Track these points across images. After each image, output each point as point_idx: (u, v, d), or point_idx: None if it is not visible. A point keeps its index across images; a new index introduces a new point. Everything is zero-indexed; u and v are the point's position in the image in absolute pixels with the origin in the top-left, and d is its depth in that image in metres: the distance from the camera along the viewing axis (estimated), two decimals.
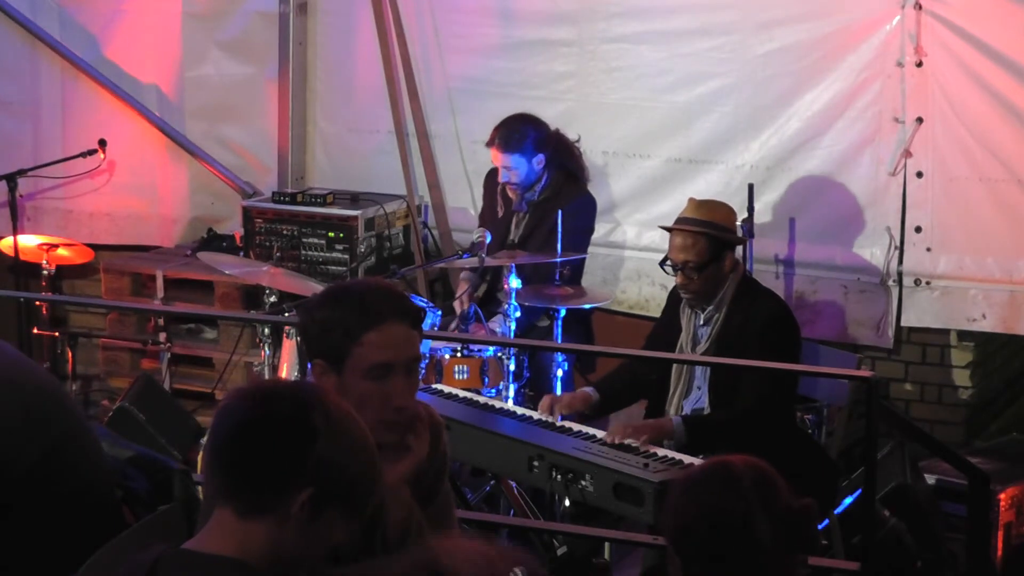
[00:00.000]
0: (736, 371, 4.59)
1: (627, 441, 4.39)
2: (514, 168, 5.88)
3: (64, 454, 3.09)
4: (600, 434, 4.45)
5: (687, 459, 4.28)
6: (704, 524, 2.33)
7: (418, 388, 2.88)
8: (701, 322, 4.80)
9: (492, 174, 6.15)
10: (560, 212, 5.54)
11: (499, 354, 5.36)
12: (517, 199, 5.97)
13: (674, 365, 4.81)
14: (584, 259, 5.95)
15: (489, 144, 5.94)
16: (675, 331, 4.86)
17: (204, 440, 4.79)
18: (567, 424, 4.56)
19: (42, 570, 3.04)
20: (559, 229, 5.47)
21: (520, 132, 5.87)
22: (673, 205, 4.88)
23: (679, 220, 4.83)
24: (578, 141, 6.08)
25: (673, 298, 4.94)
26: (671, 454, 4.32)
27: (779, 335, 4.66)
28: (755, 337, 4.61)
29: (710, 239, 4.71)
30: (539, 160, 5.89)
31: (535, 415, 4.66)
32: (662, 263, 4.84)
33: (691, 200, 4.91)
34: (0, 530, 2.99)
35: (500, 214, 6.08)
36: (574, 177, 6.00)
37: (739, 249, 5.81)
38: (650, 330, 5.16)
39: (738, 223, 5.85)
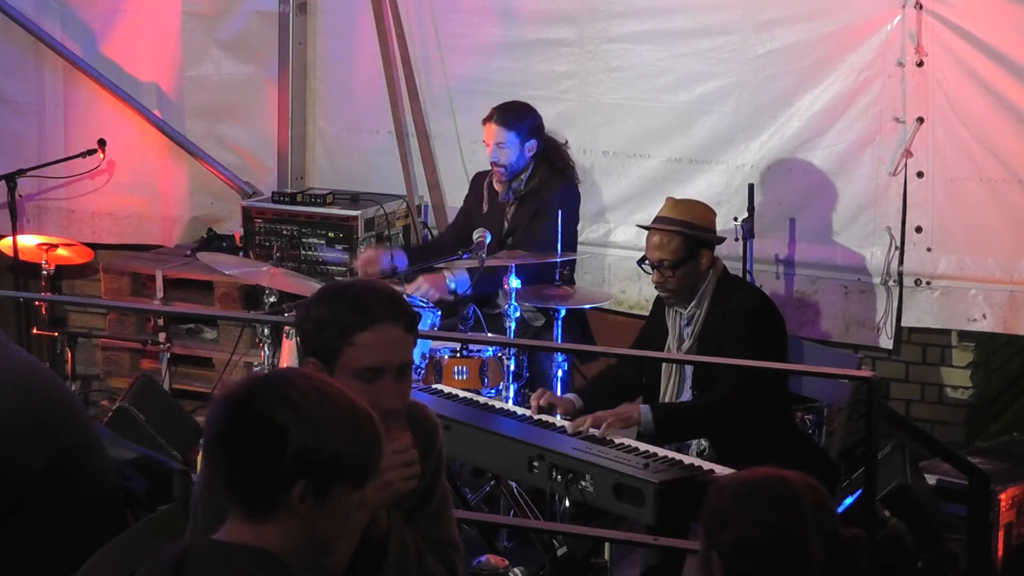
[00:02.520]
0: (719, 365, 4.59)
1: (591, 431, 4.43)
2: (506, 146, 5.84)
3: (72, 458, 3.09)
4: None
5: (687, 459, 4.28)
6: (762, 541, 2.27)
7: (410, 392, 2.85)
8: (685, 321, 4.80)
9: (479, 176, 6.16)
10: (546, 201, 5.56)
11: (499, 354, 5.36)
12: (504, 189, 5.95)
13: (663, 366, 4.82)
14: (576, 256, 5.94)
15: (487, 120, 5.91)
16: (662, 333, 4.87)
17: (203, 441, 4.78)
18: (567, 424, 4.56)
19: (48, 571, 3.04)
20: (547, 219, 5.48)
21: (519, 111, 5.89)
22: None
23: (655, 219, 4.86)
24: (566, 144, 6.07)
25: (659, 301, 4.95)
26: (671, 454, 4.32)
27: (756, 325, 4.65)
28: (733, 329, 4.62)
29: (685, 237, 4.72)
30: (531, 147, 5.88)
31: (535, 415, 4.66)
32: (640, 262, 4.85)
33: (668, 199, 4.92)
34: (9, 532, 2.99)
35: (485, 210, 6.05)
36: (560, 171, 5.98)
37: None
38: (638, 333, 5.15)
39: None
